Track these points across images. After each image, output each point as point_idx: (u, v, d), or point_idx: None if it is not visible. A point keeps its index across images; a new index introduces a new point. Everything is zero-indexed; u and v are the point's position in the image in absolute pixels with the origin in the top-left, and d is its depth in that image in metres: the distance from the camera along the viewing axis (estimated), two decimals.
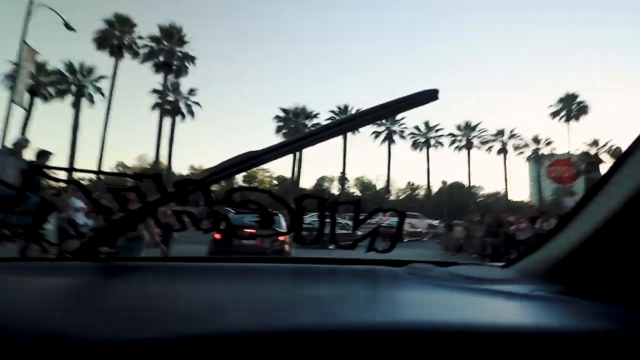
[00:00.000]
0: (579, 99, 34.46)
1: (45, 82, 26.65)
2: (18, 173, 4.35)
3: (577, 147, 36.82)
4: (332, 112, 35.05)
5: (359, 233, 0.82)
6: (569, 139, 35.24)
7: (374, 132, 36.75)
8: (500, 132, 37.14)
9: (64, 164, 28.01)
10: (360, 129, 36.50)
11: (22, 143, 4.47)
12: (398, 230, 0.71)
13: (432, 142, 37.10)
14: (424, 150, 37.23)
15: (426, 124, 36.97)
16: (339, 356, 0.37)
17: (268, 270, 0.73)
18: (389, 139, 36.33)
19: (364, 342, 0.37)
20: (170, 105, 31.00)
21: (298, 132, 32.39)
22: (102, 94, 27.81)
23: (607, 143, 35.17)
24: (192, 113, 32.01)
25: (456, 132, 37.31)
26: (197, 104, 32.04)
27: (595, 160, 7.42)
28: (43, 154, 4.97)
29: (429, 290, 0.54)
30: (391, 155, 36.59)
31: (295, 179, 34.82)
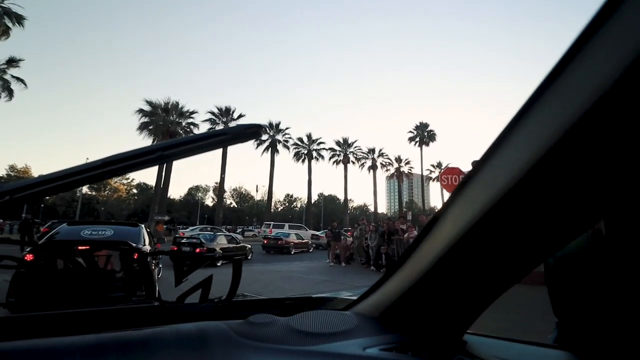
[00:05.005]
0: (429, 128, 41.34)
1: None
2: None
3: (427, 167, 43.98)
4: (212, 112, 31.79)
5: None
6: (422, 161, 41.53)
7: (257, 140, 35.08)
8: (372, 151, 41.10)
9: None
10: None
11: None
12: (234, 280, 0.66)
13: (314, 154, 37.96)
14: (305, 162, 37.68)
15: (308, 136, 37.69)
16: None
17: (66, 349, 0.47)
18: (273, 148, 35.29)
19: None
20: None
21: (168, 130, 27.81)
22: None
23: (446, 165, 43.22)
24: (10, 91, 23.55)
25: (335, 147, 39.35)
26: (21, 80, 23.83)
27: None
28: None
29: None
30: (274, 165, 35.48)
31: (162, 187, 29.50)
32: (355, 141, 40.35)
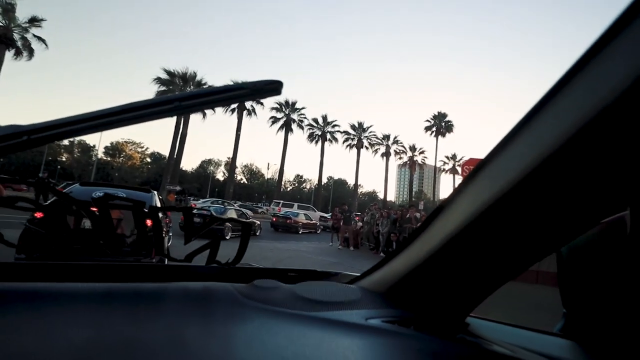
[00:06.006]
0: (447, 118, 40.29)
1: None
2: None
3: (441, 159, 43.16)
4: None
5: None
6: (437, 151, 40.77)
7: (272, 118, 34.84)
8: (387, 137, 40.43)
9: None
10: (259, 114, 34.04)
11: None
12: (242, 245, 0.66)
13: (328, 136, 37.54)
14: (319, 144, 37.34)
15: (324, 117, 37.17)
16: None
17: (77, 293, 0.49)
18: (288, 127, 34.98)
19: None
20: None
21: None
22: None
23: (461, 158, 42.35)
24: (31, 51, 23.64)
25: (350, 130, 38.81)
26: (42, 40, 23.84)
27: None
28: None
29: (262, 324, 0.48)
30: (287, 144, 35.26)
31: (175, 158, 29.74)
32: (371, 126, 39.88)
